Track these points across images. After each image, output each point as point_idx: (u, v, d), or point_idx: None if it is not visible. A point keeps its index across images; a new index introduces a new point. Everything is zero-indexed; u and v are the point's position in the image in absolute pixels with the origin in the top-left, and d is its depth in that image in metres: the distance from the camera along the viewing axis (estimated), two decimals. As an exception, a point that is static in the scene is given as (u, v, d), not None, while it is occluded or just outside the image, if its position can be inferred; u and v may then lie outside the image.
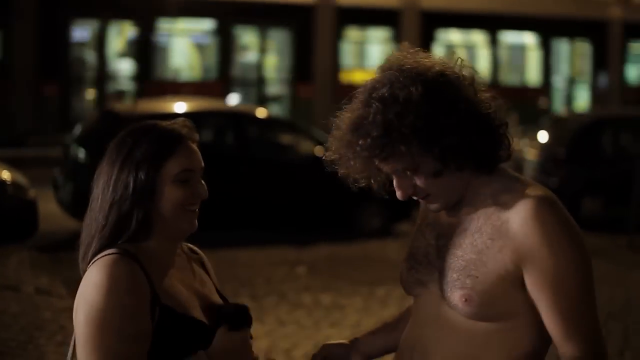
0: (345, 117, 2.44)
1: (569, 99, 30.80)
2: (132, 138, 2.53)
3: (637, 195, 12.38)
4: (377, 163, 2.42)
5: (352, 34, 27.96)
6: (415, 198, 2.47)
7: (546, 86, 29.93)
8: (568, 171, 14.36)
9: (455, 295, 2.41)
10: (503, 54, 29.77)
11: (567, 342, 2.39)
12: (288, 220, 12.95)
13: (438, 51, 25.36)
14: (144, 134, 2.53)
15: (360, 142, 2.39)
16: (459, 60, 2.48)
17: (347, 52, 28.04)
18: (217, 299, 2.66)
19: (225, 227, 12.24)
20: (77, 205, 12.08)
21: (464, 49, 28.36)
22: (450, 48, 26.85)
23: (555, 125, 15.32)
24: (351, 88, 2.55)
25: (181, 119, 2.62)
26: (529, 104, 27.07)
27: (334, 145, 2.48)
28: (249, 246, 11.89)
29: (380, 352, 2.79)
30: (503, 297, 2.39)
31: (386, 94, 2.38)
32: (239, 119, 13.46)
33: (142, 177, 2.47)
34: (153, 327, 2.41)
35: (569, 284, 2.38)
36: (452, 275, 2.43)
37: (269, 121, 14.21)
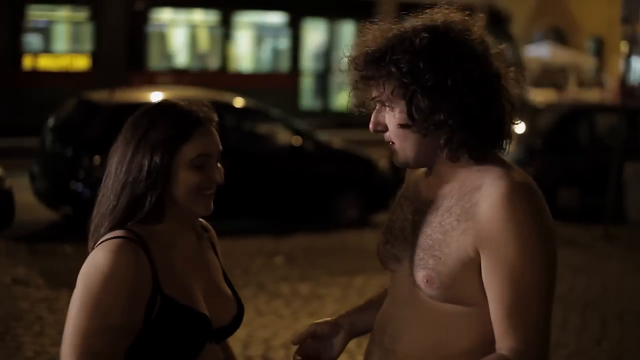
0: (365, 38, 2.46)
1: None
2: (148, 119, 2.49)
3: (613, 185, 12.45)
4: (360, 80, 2.43)
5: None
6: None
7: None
8: (544, 161, 14.40)
9: (419, 275, 2.37)
10: (241, 36, 26.91)
11: (503, 338, 2.31)
12: (265, 210, 12.93)
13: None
14: (161, 115, 2.49)
15: (359, 51, 2.43)
16: (499, 47, 2.45)
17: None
18: (223, 285, 2.66)
19: (203, 218, 12.20)
20: (52, 196, 12.04)
21: (184, 29, 26.07)
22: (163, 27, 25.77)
23: (532, 116, 15.35)
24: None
25: (201, 98, 2.60)
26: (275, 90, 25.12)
27: (349, 49, 2.49)
28: (226, 236, 11.79)
29: (366, 329, 2.73)
30: (464, 282, 2.33)
31: (401, 32, 2.40)
32: (217, 108, 13.39)
33: (157, 160, 2.43)
34: (154, 318, 2.41)
35: (525, 281, 2.28)
36: (419, 254, 2.39)
37: (246, 110, 14.16)
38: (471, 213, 2.32)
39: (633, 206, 13.48)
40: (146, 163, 2.43)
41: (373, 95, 2.43)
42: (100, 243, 2.43)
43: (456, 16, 2.44)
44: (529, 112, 16.07)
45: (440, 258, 2.34)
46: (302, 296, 8.87)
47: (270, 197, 12.91)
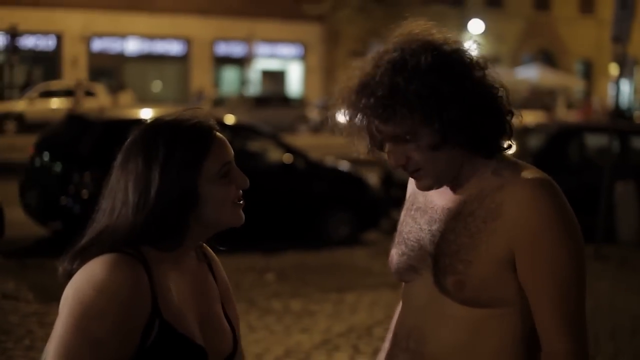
0: (354, 76, 2.40)
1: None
2: (163, 138, 2.29)
3: (604, 205, 12.45)
4: (376, 125, 2.36)
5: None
6: (406, 171, 2.42)
7: None
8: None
9: (448, 281, 2.36)
10: None
11: (556, 336, 2.33)
12: (257, 227, 12.90)
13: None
14: (176, 134, 2.30)
15: (363, 101, 2.35)
16: (474, 43, 2.46)
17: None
18: (219, 314, 2.46)
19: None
20: (42, 211, 11.98)
21: None
22: None
23: (523, 136, 15.37)
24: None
25: (199, 108, 2.44)
26: None
27: (339, 104, 2.43)
28: (218, 253, 11.78)
29: None
30: (496, 282, 2.33)
31: (397, 58, 2.35)
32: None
33: (182, 180, 2.25)
34: (149, 344, 2.20)
35: (563, 274, 2.32)
36: (445, 260, 2.37)
37: (238, 128, 14.16)
38: (498, 212, 2.33)
39: (624, 225, 13.48)
40: (173, 185, 2.25)
41: (390, 133, 2.36)
42: (96, 257, 2.23)
43: (433, 28, 2.43)
44: (519, 133, 16.09)
45: (470, 261, 2.33)
46: (293, 312, 8.82)
47: (261, 215, 12.87)
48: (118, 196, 2.29)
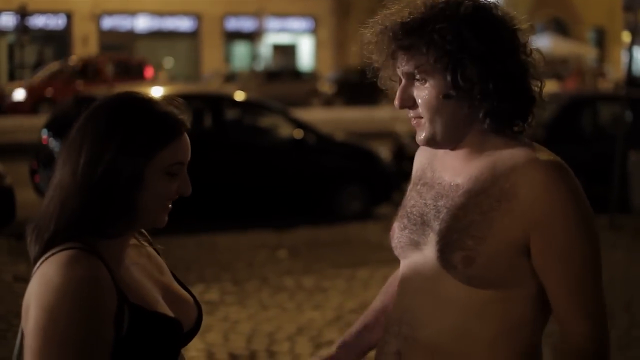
0: (399, 3, 2.38)
1: None
2: (128, 116, 2.22)
3: (617, 174, 12.37)
4: (395, 50, 2.33)
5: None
6: (408, 115, 2.38)
7: None
8: (548, 151, 14.32)
9: (456, 256, 2.29)
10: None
11: (573, 320, 2.29)
12: (268, 204, 12.88)
13: None
14: (143, 115, 2.23)
15: (393, 19, 2.33)
16: (527, 24, 2.41)
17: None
18: (177, 287, 2.43)
19: (205, 214, 12.17)
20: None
21: None
22: None
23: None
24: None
25: (177, 99, 2.34)
26: None
27: (374, 22, 2.40)
28: (230, 230, 11.82)
29: (368, 349, 2.68)
30: (505, 263, 2.28)
31: (440, 0, 2.33)
32: (217, 102, 13.36)
33: (132, 162, 2.17)
34: (125, 332, 2.14)
35: (579, 257, 2.28)
36: (453, 235, 2.31)
37: (248, 104, 14.12)
38: (512, 193, 2.28)
39: (638, 195, 13.39)
40: (121, 164, 2.17)
41: (405, 67, 2.34)
42: (49, 257, 2.14)
43: None
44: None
45: (481, 238, 2.28)
46: (306, 289, 8.80)
47: (273, 191, 12.85)
48: (72, 153, 2.21)
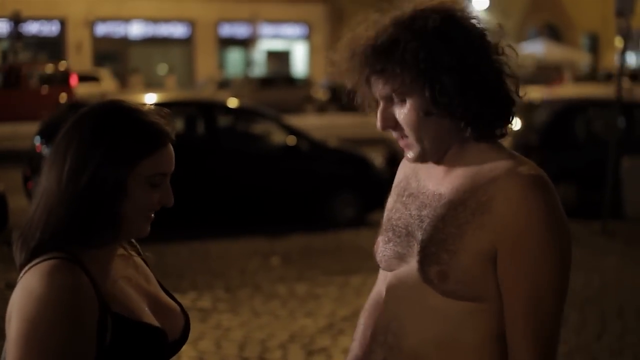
0: (365, 25, 2.36)
1: None
2: (114, 124, 2.22)
3: (610, 180, 12.39)
4: (369, 75, 2.31)
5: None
6: (393, 135, 2.36)
7: None
8: (541, 158, 14.30)
9: (432, 271, 2.28)
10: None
11: (519, 343, 2.24)
12: (261, 211, 12.86)
13: None
14: (127, 122, 2.23)
15: (363, 44, 2.30)
16: (496, 24, 2.39)
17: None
18: (164, 296, 2.43)
19: (197, 221, 12.15)
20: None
21: None
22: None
23: (528, 112, 15.28)
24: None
25: (164, 110, 2.32)
26: None
27: (342, 46, 2.37)
28: (222, 237, 11.81)
29: None
30: (479, 277, 2.25)
31: (405, 17, 2.30)
32: (210, 109, 13.34)
33: (116, 171, 2.17)
34: (108, 342, 2.14)
35: (542, 280, 2.22)
36: (431, 248, 2.29)
37: (241, 111, 14.11)
38: (487, 206, 2.25)
39: (630, 201, 13.41)
40: (107, 174, 2.17)
41: (381, 91, 2.32)
42: (32, 267, 2.16)
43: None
44: (526, 109, 16.01)
45: (454, 252, 2.25)
46: (298, 296, 8.79)
47: (266, 198, 12.84)
48: (57, 159, 2.22)
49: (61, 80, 31.13)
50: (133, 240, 2.47)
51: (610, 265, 10.52)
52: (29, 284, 2.13)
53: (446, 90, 2.25)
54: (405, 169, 2.57)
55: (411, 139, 2.33)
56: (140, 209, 2.24)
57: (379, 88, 2.32)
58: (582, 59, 50.21)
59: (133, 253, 2.47)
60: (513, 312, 2.24)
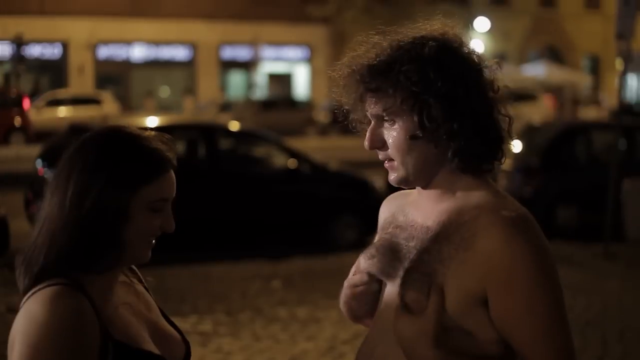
0: (366, 45, 2.41)
1: None
2: (118, 150, 2.25)
3: (612, 202, 12.38)
4: (363, 92, 2.35)
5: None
6: (379, 157, 2.38)
7: None
8: (542, 180, 14.35)
9: (409, 296, 2.29)
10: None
11: None
12: (262, 234, 12.87)
13: None
14: (129, 148, 2.25)
15: (361, 63, 2.35)
16: (493, 61, 2.41)
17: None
18: (164, 324, 2.45)
19: (198, 244, 12.15)
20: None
21: None
22: None
23: (529, 135, 15.32)
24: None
25: (165, 136, 2.35)
26: None
27: (342, 64, 2.42)
28: (224, 261, 11.80)
29: None
30: (461, 312, 2.26)
31: (405, 41, 2.34)
32: (211, 132, 13.37)
33: (118, 196, 2.20)
34: None
35: (543, 308, 2.25)
36: (414, 274, 2.31)
37: (242, 134, 14.14)
38: (470, 243, 2.26)
39: (632, 223, 13.40)
40: (109, 199, 2.19)
41: (373, 110, 2.35)
42: (35, 293, 2.17)
43: (453, 26, 2.41)
44: (527, 131, 16.04)
45: (435, 286, 2.27)
46: (299, 320, 8.78)
47: (267, 221, 12.85)
48: (60, 184, 2.24)
49: (14, 103, 31.09)
50: (134, 267, 2.49)
51: (611, 288, 10.50)
52: (31, 309, 2.14)
53: (434, 116, 2.28)
54: (390, 207, 2.60)
55: (396, 161, 2.35)
56: (142, 234, 2.26)
57: (372, 107, 2.36)
58: (583, 81, 50.28)
59: (134, 280, 2.48)
60: (526, 344, 2.26)
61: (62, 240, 2.20)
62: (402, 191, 2.58)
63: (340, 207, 13.32)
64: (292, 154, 13.51)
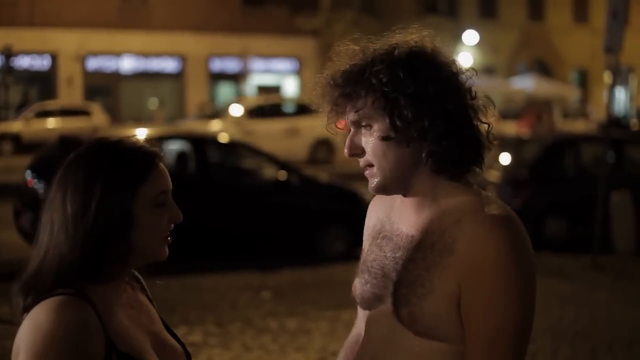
0: (345, 54, 2.43)
1: None
2: (105, 156, 2.27)
3: (600, 215, 12.43)
4: (338, 98, 2.37)
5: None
6: (360, 164, 2.39)
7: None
8: (531, 192, 14.40)
9: (403, 312, 2.30)
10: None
11: None
12: (252, 245, 12.87)
13: None
14: (115, 155, 2.27)
15: (333, 70, 2.38)
16: (470, 69, 2.42)
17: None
18: (166, 335, 2.46)
19: (188, 255, 12.14)
20: (36, 233, 11.94)
21: None
22: None
23: (518, 147, 15.37)
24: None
25: (142, 136, 2.42)
26: None
27: (322, 74, 2.45)
28: (213, 272, 11.80)
29: None
30: (449, 318, 2.26)
31: (377, 46, 2.38)
32: (201, 143, 13.38)
33: (119, 203, 2.21)
34: None
35: (501, 318, 2.21)
36: (402, 290, 2.32)
37: (231, 146, 14.15)
38: (452, 249, 2.26)
39: (620, 235, 13.46)
40: (111, 208, 2.21)
41: (350, 117, 2.37)
42: (40, 303, 2.17)
43: (429, 36, 2.42)
44: (516, 144, 16.09)
45: (423, 295, 2.27)
46: (289, 331, 8.79)
47: (257, 232, 12.86)
48: (56, 209, 2.25)
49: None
50: (139, 276, 2.50)
51: (600, 299, 10.54)
52: (37, 318, 2.14)
53: (404, 115, 2.29)
54: (377, 212, 2.60)
55: (375, 166, 2.36)
56: (154, 232, 2.28)
57: (349, 114, 2.37)
58: (572, 94, 50.40)
59: (138, 290, 2.49)
60: (469, 350, 2.25)
61: (72, 261, 2.20)
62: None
63: (329, 218, 13.34)
64: (282, 165, 13.53)
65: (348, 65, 2.36)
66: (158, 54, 46.83)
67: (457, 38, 43.08)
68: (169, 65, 47.69)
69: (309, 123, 28.48)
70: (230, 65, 47.96)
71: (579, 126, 39.29)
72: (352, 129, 2.39)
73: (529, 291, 2.25)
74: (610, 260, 12.74)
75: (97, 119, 35.80)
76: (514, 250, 2.23)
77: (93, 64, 45.67)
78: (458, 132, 2.32)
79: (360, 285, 2.49)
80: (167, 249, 2.34)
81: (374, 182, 2.38)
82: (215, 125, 28.82)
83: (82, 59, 44.86)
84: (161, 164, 2.33)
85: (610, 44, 12.50)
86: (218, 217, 12.58)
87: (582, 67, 56.48)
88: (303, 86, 49.45)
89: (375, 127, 2.33)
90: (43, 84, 44.19)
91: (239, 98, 38.02)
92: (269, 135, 28.53)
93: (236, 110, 31.14)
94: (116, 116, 41.45)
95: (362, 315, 2.60)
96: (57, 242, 2.23)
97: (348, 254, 13.03)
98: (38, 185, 12.18)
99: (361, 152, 2.38)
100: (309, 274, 11.93)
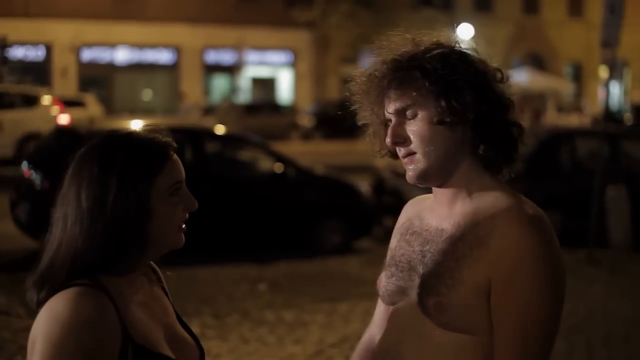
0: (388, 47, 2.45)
1: None
2: (119, 148, 2.27)
3: (596, 209, 12.45)
4: (388, 85, 2.38)
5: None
6: (399, 154, 2.41)
7: None
8: (526, 186, 14.39)
9: (430, 302, 2.33)
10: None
11: None
12: (249, 237, 12.88)
13: None
14: (129, 147, 2.28)
15: (385, 57, 2.40)
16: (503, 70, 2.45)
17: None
18: (180, 329, 2.47)
19: (185, 248, 12.13)
20: (33, 224, 11.95)
21: None
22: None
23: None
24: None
25: (155, 125, 2.40)
26: None
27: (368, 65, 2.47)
28: (210, 264, 11.80)
29: None
30: (475, 310, 2.28)
31: (430, 40, 2.41)
32: (197, 135, 13.37)
33: (136, 195, 2.22)
34: None
35: (533, 316, 2.25)
36: (431, 280, 2.34)
37: (228, 138, 14.15)
38: (484, 242, 2.29)
39: (615, 229, 13.48)
40: (128, 200, 2.22)
41: (396, 104, 2.38)
42: (56, 293, 2.18)
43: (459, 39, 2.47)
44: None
45: (452, 285, 2.30)
46: (286, 323, 8.80)
47: (253, 225, 12.86)
48: (70, 203, 2.25)
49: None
50: (156, 267, 2.52)
51: (595, 293, 10.56)
52: (54, 308, 2.15)
53: (463, 99, 2.31)
54: (407, 212, 2.63)
55: (418, 153, 2.37)
56: (170, 222, 2.30)
57: (394, 103, 2.38)
58: (566, 88, 50.47)
59: (154, 282, 2.50)
60: (501, 345, 2.28)
61: (88, 253, 2.21)
62: (421, 196, 2.62)
63: (325, 211, 13.35)
64: (278, 158, 13.54)
65: (401, 56, 2.38)
66: (153, 46, 46.81)
67: (451, 31, 43.08)
68: (163, 56, 47.67)
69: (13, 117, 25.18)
70: (225, 57, 47.97)
71: (573, 120, 39.35)
72: (394, 119, 2.40)
73: (560, 290, 2.29)
74: (605, 255, 12.77)
75: (92, 110, 35.72)
76: (549, 251, 2.27)
77: (88, 55, 45.65)
78: (508, 126, 2.37)
79: (385, 279, 2.52)
80: (183, 238, 2.36)
81: (416, 168, 2.39)
82: None
83: (76, 50, 44.83)
84: (174, 155, 2.35)
85: (607, 38, 12.51)
86: (214, 210, 12.57)
87: (576, 61, 56.55)
88: (297, 78, 49.36)
89: (421, 114, 2.35)
90: (37, 74, 44.11)
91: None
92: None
93: None
94: (110, 107, 41.41)
95: (379, 316, 2.64)
96: (70, 236, 2.23)
97: (344, 246, 13.08)
98: (35, 176, 12.17)
99: (404, 140, 2.39)
100: (305, 266, 11.94)
